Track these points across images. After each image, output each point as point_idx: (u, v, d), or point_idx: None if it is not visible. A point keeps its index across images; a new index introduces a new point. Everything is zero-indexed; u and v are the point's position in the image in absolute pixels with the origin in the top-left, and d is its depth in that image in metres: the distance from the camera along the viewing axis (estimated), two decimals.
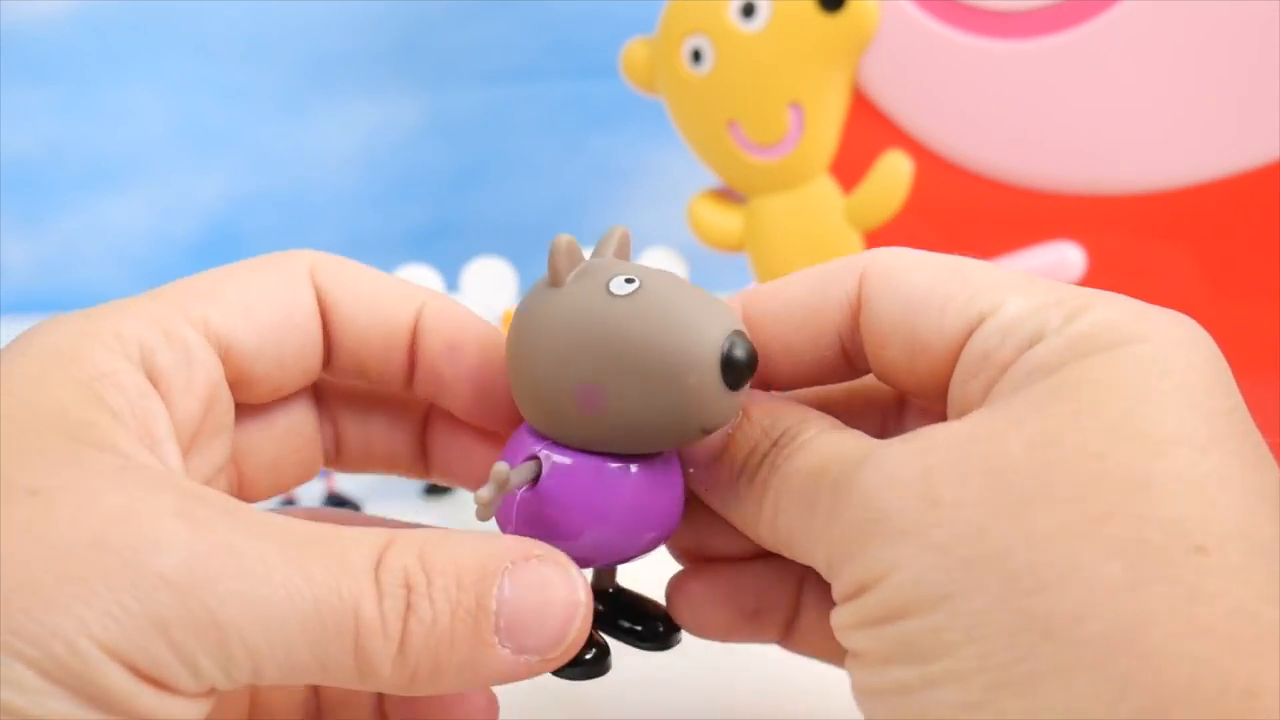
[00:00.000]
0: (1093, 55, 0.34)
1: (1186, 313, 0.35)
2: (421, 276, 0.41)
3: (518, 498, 0.20)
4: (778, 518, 0.19)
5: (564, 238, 0.20)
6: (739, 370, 0.19)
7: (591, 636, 0.20)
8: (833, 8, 0.36)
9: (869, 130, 0.37)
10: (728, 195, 0.42)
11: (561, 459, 0.20)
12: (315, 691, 0.23)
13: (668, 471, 0.20)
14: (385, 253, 0.70)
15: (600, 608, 0.22)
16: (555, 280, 0.20)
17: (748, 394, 0.20)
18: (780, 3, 0.37)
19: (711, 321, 0.19)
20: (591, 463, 0.20)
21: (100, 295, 0.67)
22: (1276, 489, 0.16)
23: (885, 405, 0.22)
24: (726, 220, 0.41)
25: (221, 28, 0.68)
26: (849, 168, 0.38)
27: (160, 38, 0.68)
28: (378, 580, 0.17)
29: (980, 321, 0.18)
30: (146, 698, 0.16)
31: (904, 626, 0.16)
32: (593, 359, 0.19)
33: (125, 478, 0.17)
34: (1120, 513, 0.15)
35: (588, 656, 0.20)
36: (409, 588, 0.17)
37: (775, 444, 0.19)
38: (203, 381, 0.20)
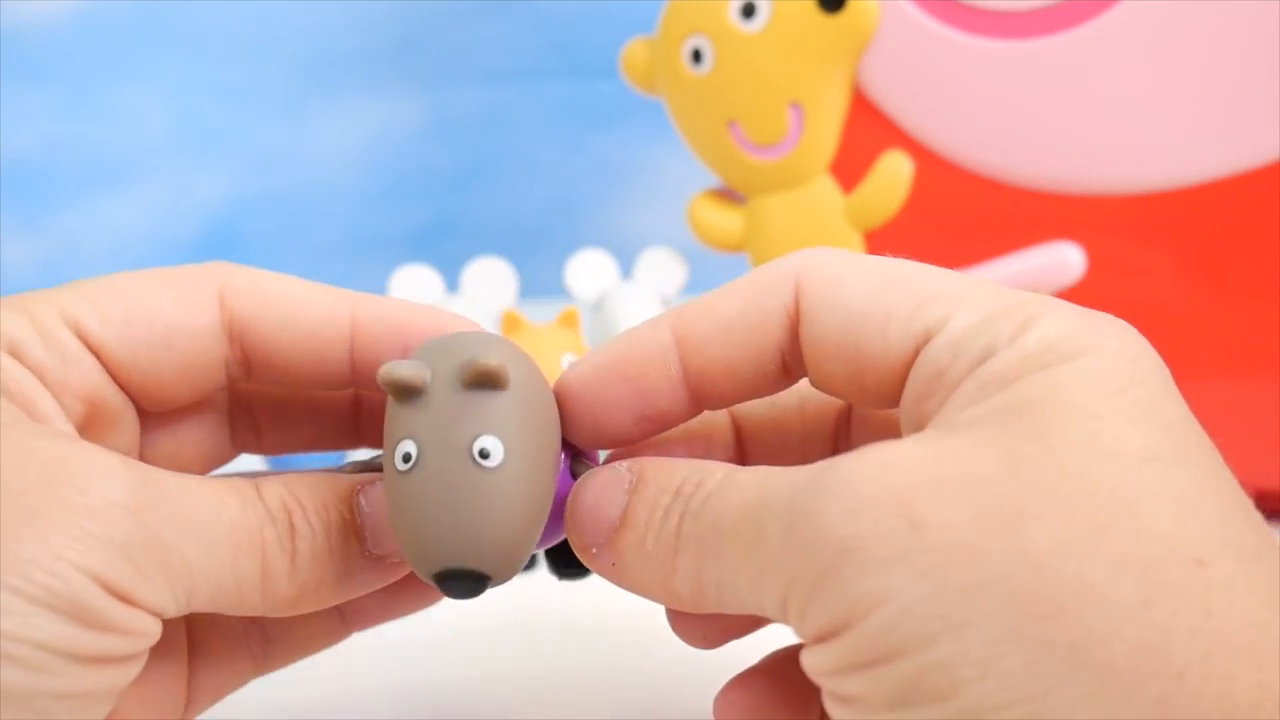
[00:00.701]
0: (1093, 55, 0.34)
1: (1185, 313, 0.35)
2: (421, 276, 0.41)
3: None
4: (701, 569, 0.18)
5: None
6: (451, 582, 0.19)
7: None
8: (833, 8, 0.36)
9: (869, 130, 0.37)
10: (728, 195, 0.42)
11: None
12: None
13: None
14: (385, 253, 0.70)
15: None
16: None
17: (640, 459, 0.19)
18: (780, 3, 0.37)
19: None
20: None
21: None
22: (1241, 497, 0.16)
23: (836, 415, 0.22)
24: (726, 220, 0.41)
25: (221, 27, 0.68)
26: (849, 168, 0.38)
27: (160, 38, 0.68)
28: (266, 506, 0.20)
29: (928, 338, 0.17)
30: (120, 610, 0.18)
31: (905, 665, 0.15)
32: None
33: (49, 432, 0.19)
34: (1114, 529, 0.15)
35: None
36: (288, 512, 0.20)
37: (677, 495, 0.18)
38: (79, 378, 0.20)
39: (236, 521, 0.19)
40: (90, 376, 0.21)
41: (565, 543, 0.21)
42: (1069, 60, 0.35)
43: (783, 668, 0.21)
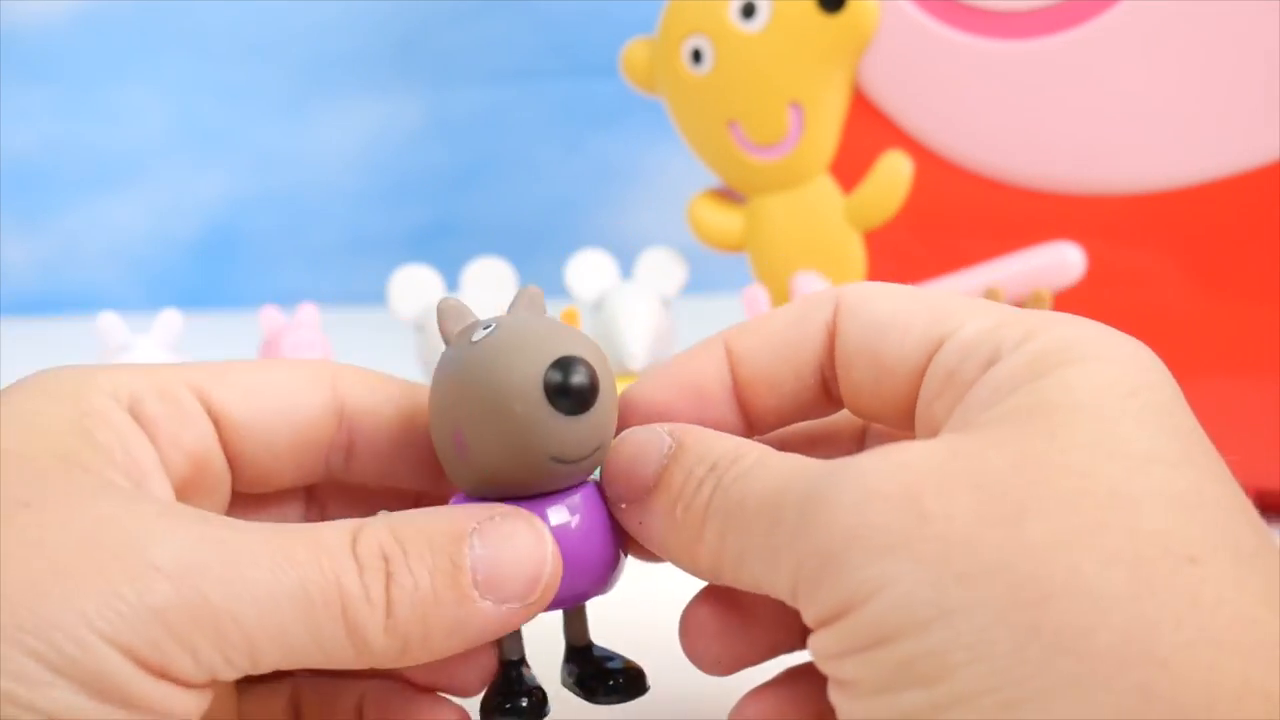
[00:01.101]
0: (1093, 55, 0.34)
1: (1185, 313, 0.35)
2: (421, 277, 0.41)
3: None
4: (724, 543, 0.18)
5: (447, 300, 0.22)
6: (564, 392, 0.20)
7: (530, 685, 0.22)
8: (833, 8, 0.36)
9: (869, 130, 0.37)
10: (728, 195, 0.42)
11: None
12: (296, 702, 0.23)
13: (587, 514, 0.21)
14: (385, 253, 0.70)
15: (574, 665, 0.23)
16: (445, 340, 0.22)
17: (681, 426, 0.20)
18: (780, 3, 0.37)
19: (539, 351, 0.20)
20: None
21: (100, 295, 0.68)
22: (1244, 501, 0.17)
23: (850, 437, 0.23)
24: (726, 220, 0.41)
25: (222, 28, 0.68)
26: (849, 168, 0.38)
27: (160, 38, 0.68)
28: (355, 555, 0.18)
29: (940, 344, 0.18)
30: (148, 686, 0.16)
31: (899, 649, 0.15)
32: (452, 405, 0.21)
33: (110, 491, 0.18)
34: (1112, 526, 0.15)
35: (520, 704, 0.22)
36: (386, 559, 0.18)
37: (713, 468, 0.19)
38: (193, 438, 0.20)
39: (305, 576, 0.18)
40: (204, 434, 0.21)
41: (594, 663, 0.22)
42: (1069, 60, 0.35)
43: (800, 681, 0.21)
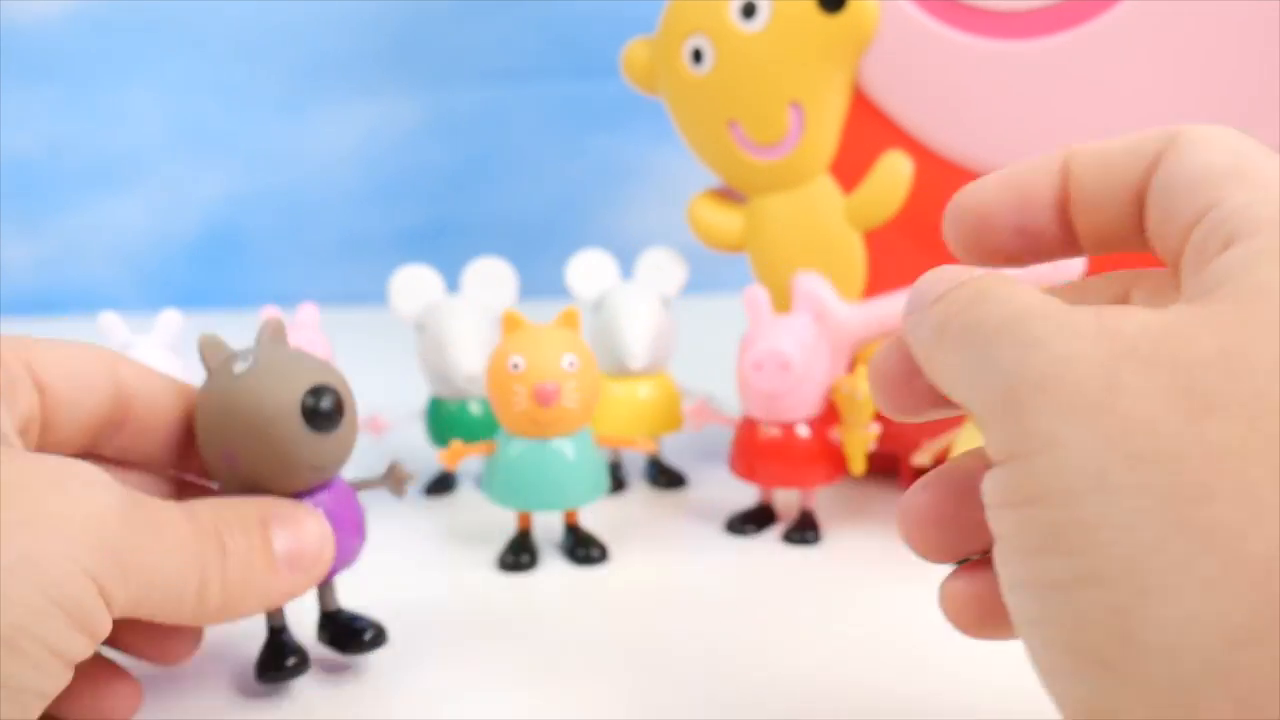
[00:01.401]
0: (1093, 56, 0.34)
1: None
2: (421, 276, 0.41)
3: None
4: (955, 357, 0.19)
5: (205, 336, 0.28)
6: (318, 414, 0.26)
7: (295, 646, 0.29)
8: (833, 8, 0.36)
9: (869, 130, 0.37)
10: (728, 195, 0.42)
11: None
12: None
13: (340, 507, 0.28)
14: (385, 253, 0.71)
15: (327, 628, 0.30)
16: (207, 371, 0.28)
17: (988, 274, 0.21)
18: (780, 3, 0.37)
19: (294, 381, 0.26)
20: None
21: (100, 295, 0.68)
22: None
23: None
24: (726, 220, 0.41)
25: (221, 28, 0.68)
26: (849, 168, 0.38)
27: (160, 38, 0.68)
28: (202, 526, 0.24)
29: (1210, 208, 0.18)
30: (103, 616, 0.21)
31: (1053, 513, 0.16)
32: (222, 428, 0.26)
33: (58, 459, 0.22)
34: None
35: (288, 664, 0.28)
36: (219, 532, 0.24)
37: (980, 295, 0.19)
38: (26, 406, 0.24)
39: (188, 535, 0.23)
40: (33, 407, 0.25)
41: None
42: (1069, 60, 0.35)
43: (962, 474, 0.21)
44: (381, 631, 0.30)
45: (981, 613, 0.21)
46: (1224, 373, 0.15)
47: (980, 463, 0.20)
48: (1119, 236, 0.21)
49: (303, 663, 0.28)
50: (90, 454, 0.27)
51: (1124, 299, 0.22)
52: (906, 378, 0.21)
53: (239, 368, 0.27)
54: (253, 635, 0.29)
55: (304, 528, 0.26)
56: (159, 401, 0.27)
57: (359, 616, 0.30)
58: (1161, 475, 0.15)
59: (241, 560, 0.24)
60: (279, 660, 0.28)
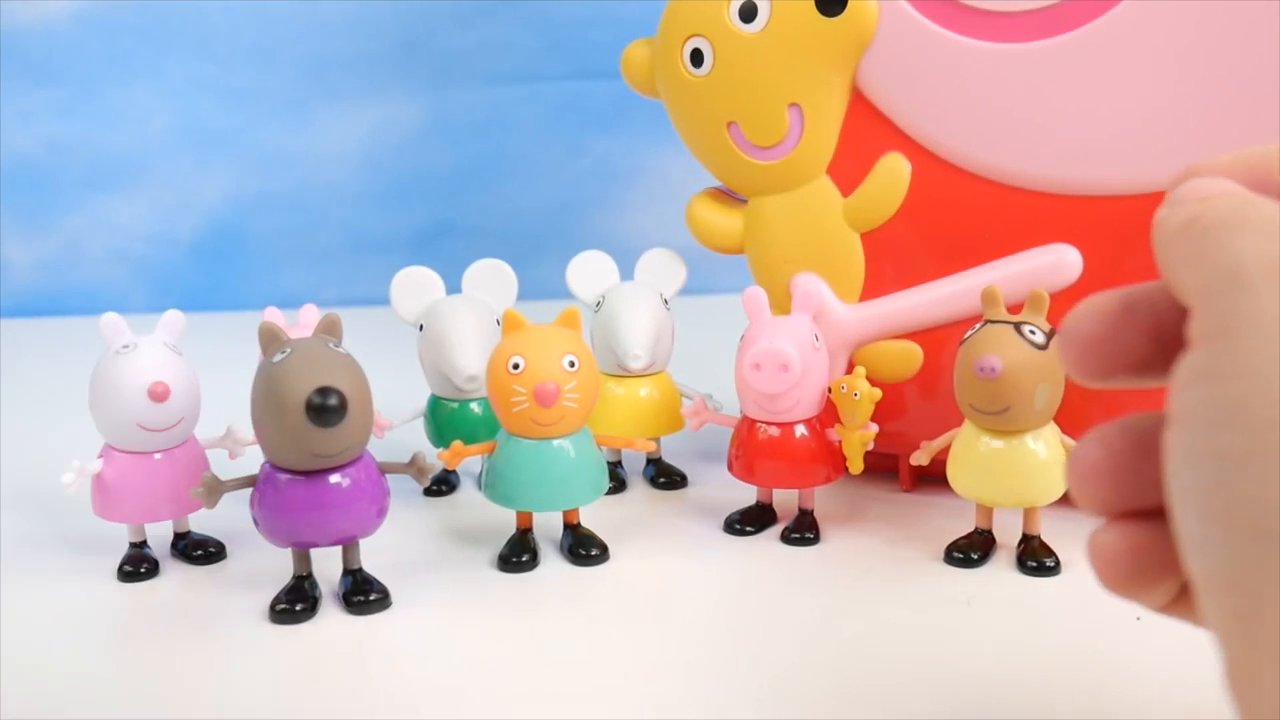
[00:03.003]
0: (1092, 56, 0.34)
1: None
2: (423, 277, 0.41)
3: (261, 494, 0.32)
4: (1196, 246, 0.18)
5: (265, 323, 0.32)
6: (318, 411, 0.30)
7: (311, 595, 0.33)
8: (832, 10, 0.36)
9: (868, 131, 0.38)
10: (727, 196, 0.42)
11: (270, 473, 0.32)
12: None
13: (358, 479, 0.32)
14: (386, 253, 0.71)
15: (346, 583, 0.34)
16: (263, 354, 0.32)
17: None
18: (780, 5, 0.37)
19: (307, 379, 0.30)
20: (280, 476, 0.32)
21: (102, 296, 0.68)
22: None
23: None
24: (726, 221, 0.41)
25: (224, 29, 0.68)
26: (849, 168, 0.38)
27: (163, 40, 0.68)
28: None
29: None
30: None
31: (1243, 388, 0.16)
32: (256, 406, 0.31)
33: None
34: None
35: (298, 608, 0.33)
36: None
37: (1225, 193, 0.19)
38: None
39: None
40: None
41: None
42: (1069, 61, 0.35)
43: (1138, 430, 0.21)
44: (387, 596, 0.33)
45: (1133, 568, 0.21)
46: None
47: (1156, 423, 0.20)
48: None
49: (312, 608, 0.33)
50: None
51: None
52: (1107, 338, 0.21)
53: (277, 357, 0.31)
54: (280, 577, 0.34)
55: None
56: None
57: (374, 580, 0.34)
58: None
59: None
60: (294, 602, 0.33)
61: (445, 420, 0.41)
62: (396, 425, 0.41)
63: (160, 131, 0.69)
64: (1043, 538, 0.35)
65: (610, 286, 0.42)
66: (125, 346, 0.35)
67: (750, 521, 0.38)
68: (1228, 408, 0.16)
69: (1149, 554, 0.20)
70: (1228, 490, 0.16)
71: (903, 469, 0.40)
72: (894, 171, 0.37)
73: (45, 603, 0.34)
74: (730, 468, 0.38)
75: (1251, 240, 0.17)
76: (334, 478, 0.32)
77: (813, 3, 0.36)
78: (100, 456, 0.35)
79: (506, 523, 0.37)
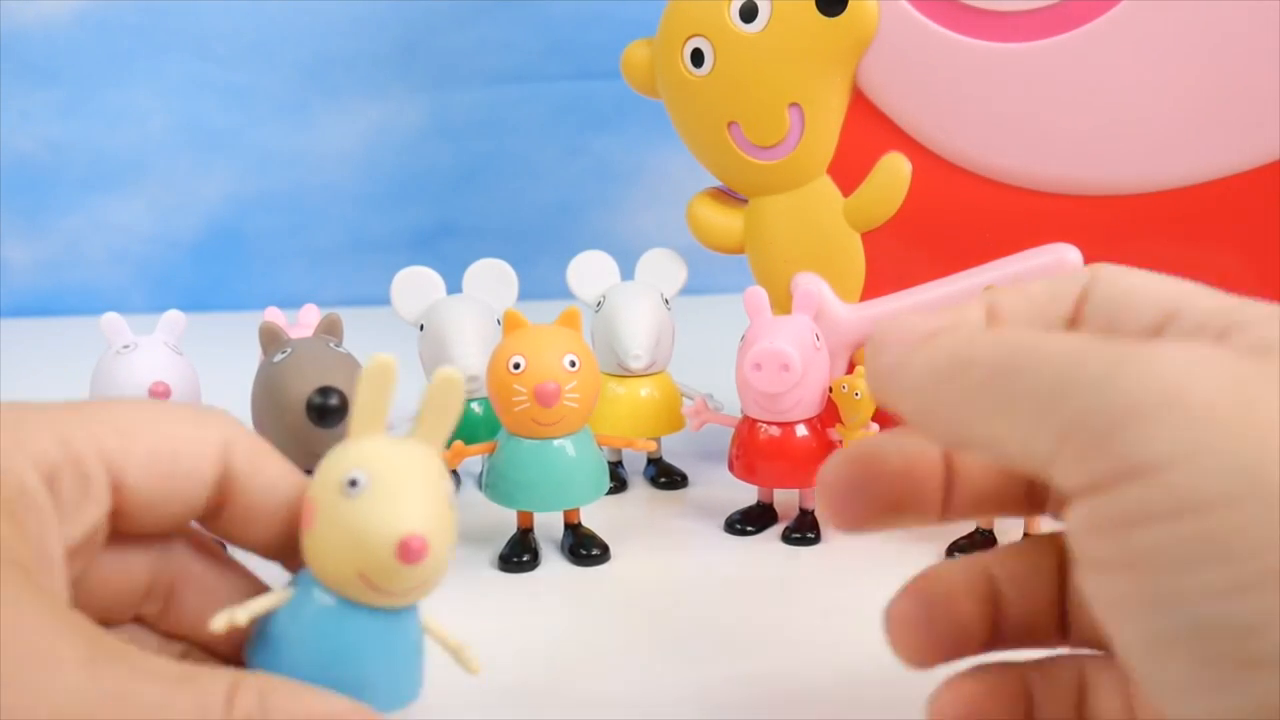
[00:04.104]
0: (1092, 56, 0.34)
1: None
2: (424, 277, 0.42)
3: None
4: (979, 395, 0.18)
5: (265, 323, 0.33)
6: (319, 411, 0.30)
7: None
8: (832, 10, 0.36)
9: (869, 131, 0.38)
10: (727, 196, 0.42)
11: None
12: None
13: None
14: (386, 254, 0.71)
15: None
16: (263, 354, 0.32)
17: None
18: (780, 4, 0.37)
19: (307, 379, 0.30)
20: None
21: (102, 296, 0.68)
22: None
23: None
24: (726, 221, 0.41)
25: (223, 29, 0.68)
26: (849, 169, 0.38)
27: (163, 39, 0.68)
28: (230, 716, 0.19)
29: (1176, 314, 0.19)
30: None
31: (1203, 521, 0.15)
32: (256, 405, 0.32)
33: (40, 609, 0.19)
34: None
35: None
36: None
37: (970, 338, 0.19)
38: (92, 516, 0.21)
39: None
40: (101, 510, 0.21)
41: None
42: (1069, 61, 0.35)
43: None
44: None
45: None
46: None
47: (958, 571, 0.21)
48: None
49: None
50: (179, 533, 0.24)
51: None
52: (860, 486, 0.21)
53: (278, 357, 0.31)
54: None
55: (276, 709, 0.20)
56: (269, 490, 0.23)
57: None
58: (1276, 483, 0.15)
59: None
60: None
61: None
62: (396, 425, 0.41)
63: (160, 131, 0.69)
64: None
65: (611, 286, 0.42)
66: (126, 346, 0.35)
67: (751, 521, 0.38)
68: (1193, 546, 0.15)
69: (992, 705, 0.20)
70: (1220, 629, 0.15)
71: None
72: (894, 171, 0.37)
73: None
74: (731, 468, 0.38)
75: (1108, 378, 0.16)
76: None
77: (813, 3, 0.36)
78: None
79: (507, 522, 0.37)
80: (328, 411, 0.30)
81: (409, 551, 0.20)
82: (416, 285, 0.41)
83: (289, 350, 0.32)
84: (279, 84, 0.69)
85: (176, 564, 0.24)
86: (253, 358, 0.34)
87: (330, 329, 0.33)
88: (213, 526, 0.23)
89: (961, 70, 0.36)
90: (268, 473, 0.23)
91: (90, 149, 0.69)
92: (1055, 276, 0.22)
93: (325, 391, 0.30)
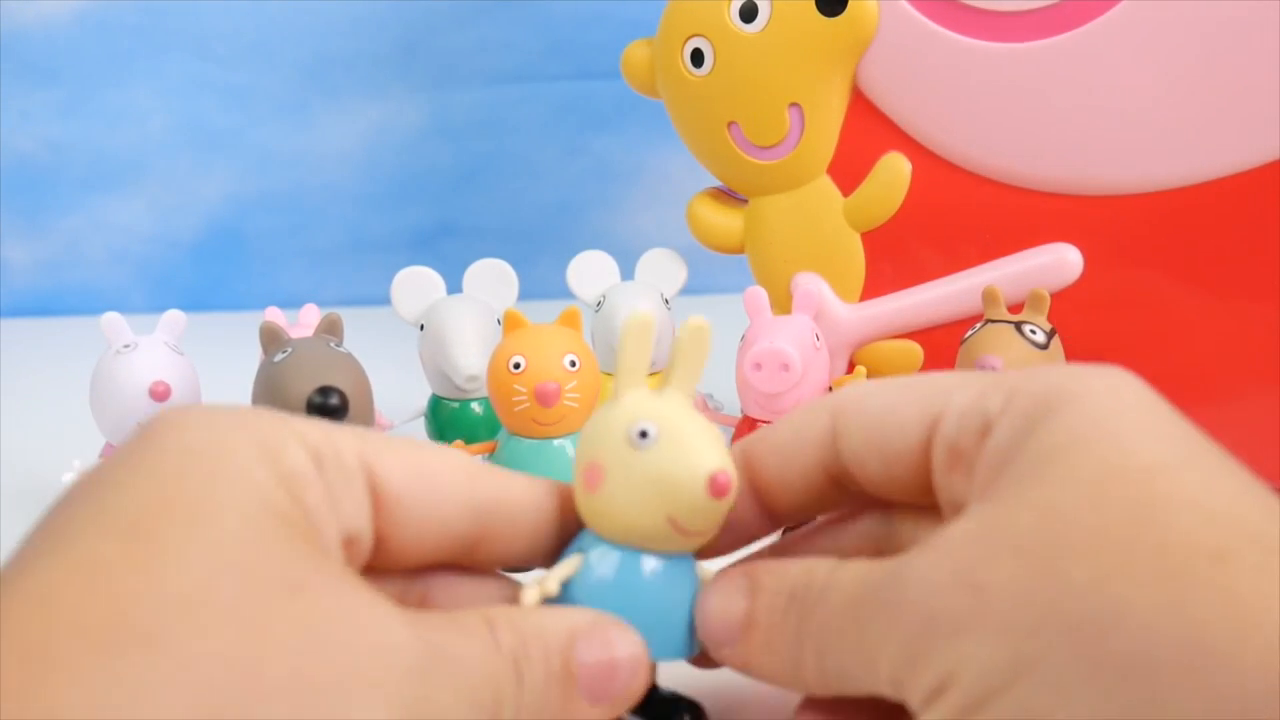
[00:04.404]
0: (1092, 56, 0.34)
1: (1184, 313, 0.35)
2: (424, 277, 0.42)
3: None
4: (824, 660, 0.20)
5: (266, 323, 0.33)
6: (319, 411, 0.30)
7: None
8: (832, 10, 0.36)
9: (868, 131, 0.38)
10: (727, 196, 0.42)
11: None
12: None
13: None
14: (387, 254, 0.71)
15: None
16: (264, 354, 0.33)
17: (753, 566, 0.22)
18: (780, 5, 0.37)
19: (307, 379, 0.30)
20: None
21: (102, 296, 0.68)
22: (1252, 484, 0.18)
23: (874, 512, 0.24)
24: (726, 221, 0.41)
25: (224, 29, 0.68)
26: (849, 168, 0.38)
27: (163, 39, 0.68)
28: (501, 653, 0.20)
29: (936, 423, 0.20)
30: None
31: (997, 709, 0.17)
32: (256, 403, 0.31)
33: (347, 581, 0.19)
34: (1140, 544, 0.17)
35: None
36: (517, 660, 0.20)
37: (792, 598, 0.21)
38: (353, 511, 0.20)
39: (479, 668, 0.19)
40: (361, 513, 0.21)
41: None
42: (1069, 61, 0.35)
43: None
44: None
45: None
46: (1049, 533, 0.17)
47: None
48: (810, 502, 0.23)
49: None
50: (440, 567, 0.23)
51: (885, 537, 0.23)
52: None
53: (278, 357, 0.32)
54: None
55: (614, 649, 0.21)
56: (522, 516, 0.23)
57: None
58: (1057, 636, 0.16)
59: (537, 695, 0.20)
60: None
61: (446, 420, 0.41)
62: (397, 425, 0.41)
63: (160, 131, 0.69)
64: None
65: (611, 286, 0.42)
66: (126, 346, 0.35)
67: None
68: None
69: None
70: None
71: None
72: (894, 171, 0.37)
73: None
74: None
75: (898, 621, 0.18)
76: None
77: (813, 3, 0.36)
78: (101, 456, 0.35)
79: None
80: (328, 411, 0.30)
81: (719, 486, 0.21)
82: (416, 285, 0.41)
83: (289, 350, 0.32)
84: (279, 84, 0.69)
85: (424, 583, 0.23)
86: (253, 358, 0.34)
87: (330, 329, 0.33)
88: (475, 560, 0.23)
89: (961, 70, 0.36)
90: (515, 492, 0.23)
91: (90, 149, 0.69)
92: (801, 410, 0.23)
93: (325, 391, 0.30)
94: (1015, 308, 0.34)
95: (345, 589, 0.18)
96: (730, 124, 0.39)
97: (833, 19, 0.36)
